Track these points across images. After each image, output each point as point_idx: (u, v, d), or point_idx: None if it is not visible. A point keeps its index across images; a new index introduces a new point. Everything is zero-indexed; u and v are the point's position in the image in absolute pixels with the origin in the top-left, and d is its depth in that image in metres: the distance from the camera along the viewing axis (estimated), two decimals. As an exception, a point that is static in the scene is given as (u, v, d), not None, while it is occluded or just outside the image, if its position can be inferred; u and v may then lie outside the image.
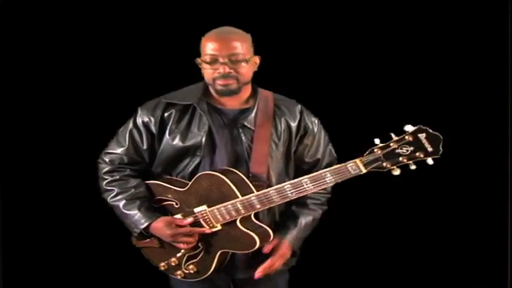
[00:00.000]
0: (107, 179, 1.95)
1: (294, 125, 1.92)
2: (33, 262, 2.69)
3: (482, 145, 2.52)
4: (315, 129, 1.95)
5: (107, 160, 1.96)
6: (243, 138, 1.87)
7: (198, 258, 1.91)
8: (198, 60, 1.86)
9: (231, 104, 1.91)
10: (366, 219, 2.67)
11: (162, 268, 1.99)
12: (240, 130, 1.88)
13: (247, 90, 1.92)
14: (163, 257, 1.97)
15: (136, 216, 1.87)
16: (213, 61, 1.79)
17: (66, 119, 2.66)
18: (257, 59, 1.90)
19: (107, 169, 1.95)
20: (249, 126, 1.88)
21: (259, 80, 1.97)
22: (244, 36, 1.85)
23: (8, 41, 2.58)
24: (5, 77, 2.60)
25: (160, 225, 1.86)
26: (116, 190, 1.92)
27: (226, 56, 1.77)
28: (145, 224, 1.87)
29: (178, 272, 1.95)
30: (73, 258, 2.72)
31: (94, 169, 2.00)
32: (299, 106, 1.96)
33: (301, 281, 2.22)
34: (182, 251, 1.92)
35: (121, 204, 1.90)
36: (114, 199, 1.92)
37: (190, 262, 1.92)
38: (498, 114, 2.48)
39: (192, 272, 1.93)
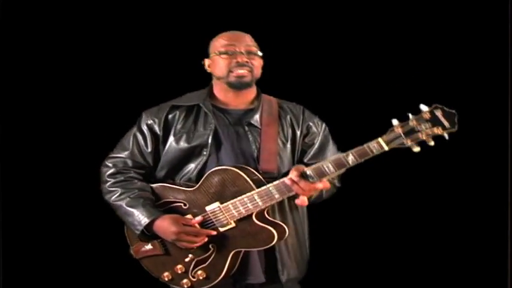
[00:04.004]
0: (110, 181, 1.85)
1: (297, 124, 1.91)
2: (33, 262, 2.60)
3: (482, 145, 2.55)
4: (318, 129, 1.94)
5: (110, 164, 1.88)
6: (250, 137, 1.84)
7: (208, 262, 1.77)
8: (207, 60, 1.91)
9: (236, 104, 1.90)
10: (368, 222, 2.66)
11: (166, 279, 1.82)
12: (247, 128, 1.85)
13: (252, 92, 1.92)
14: (168, 266, 1.81)
15: (139, 213, 1.75)
16: (230, 51, 1.83)
17: (68, 125, 2.66)
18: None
19: (110, 172, 1.86)
20: (255, 124, 1.86)
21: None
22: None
23: (14, 43, 2.59)
24: (11, 79, 2.62)
25: (165, 223, 1.74)
26: (120, 190, 1.82)
27: (243, 46, 1.84)
28: (149, 220, 1.74)
29: (185, 281, 1.79)
30: (73, 260, 2.65)
31: (94, 175, 1.91)
32: (301, 107, 1.97)
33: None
34: (190, 255, 1.78)
35: (124, 202, 1.79)
36: (118, 198, 1.80)
37: (199, 267, 1.77)
38: (498, 114, 2.53)
39: (200, 278, 1.77)
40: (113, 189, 1.83)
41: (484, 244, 2.59)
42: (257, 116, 1.87)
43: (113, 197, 1.82)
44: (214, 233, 1.74)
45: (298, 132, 1.90)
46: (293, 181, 1.67)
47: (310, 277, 1.99)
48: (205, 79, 1.96)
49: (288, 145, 1.88)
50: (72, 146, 2.65)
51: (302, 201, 1.70)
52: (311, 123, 1.93)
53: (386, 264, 2.67)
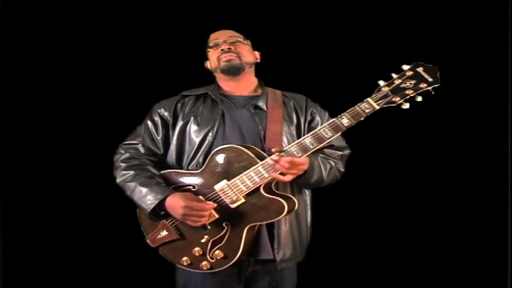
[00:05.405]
0: (123, 165, 1.95)
1: (301, 110, 2.03)
2: (33, 262, 2.60)
3: (482, 145, 2.60)
4: (321, 115, 2.06)
5: (123, 151, 1.99)
6: (256, 118, 1.95)
7: (224, 241, 1.83)
8: (206, 62, 2.10)
9: (240, 92, 2.04)
10: (368, 221, 2.71)
11: (185, 264, 1.87)
12: (253, 111, 1.97)
13: (253, 80, 2.08)
14: (185, 250, 1.87)
15: (154, 190, 1.84)
16: (215, 44, 2.05)
17: (68, 125, 2.69)
18: (257, 54, 2.11)
19: (124, 157, 1.97)
20: (261, 106, 1.98)
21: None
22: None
23: (18, 38, 2.64)
24: (16, 76, 2.67)
25: (175, 198, 1.82)
26: (134, 172, 1.91)
27: (225, 38, 2.04)
28: (163, 196, 1.82)
29: (204, 263, 1.85)
30: (73, 259, 2.67)
31: (95, 175, 1.97)
32: (304, 96, 2.11)
33: (308, 276, 2.17)
34: (206, 236, 1.84)
35: (138, 182, 1.87)
36: (132, 179, 1.89)
37: (216, 247, 1.83)
38: (498, 114, 2.56)
39: (219, 258, 1.83)
40: (127, 171, 1.92)
41: (484, 243, 2.62)
42: (263, 100, 2.01)
43: (128, 178, 1.90)
44: (214, 205, 1.80)
45: (302, 119, 2.02)
46: (275, 160, 1.76)
47: (311, 263, 2.06)
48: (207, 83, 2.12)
49: (293, 127, 1.99)
50: (72, 146, 2.69)
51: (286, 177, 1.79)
52: (314, 110, 2.05)
53: (386, 260, 2.71)
